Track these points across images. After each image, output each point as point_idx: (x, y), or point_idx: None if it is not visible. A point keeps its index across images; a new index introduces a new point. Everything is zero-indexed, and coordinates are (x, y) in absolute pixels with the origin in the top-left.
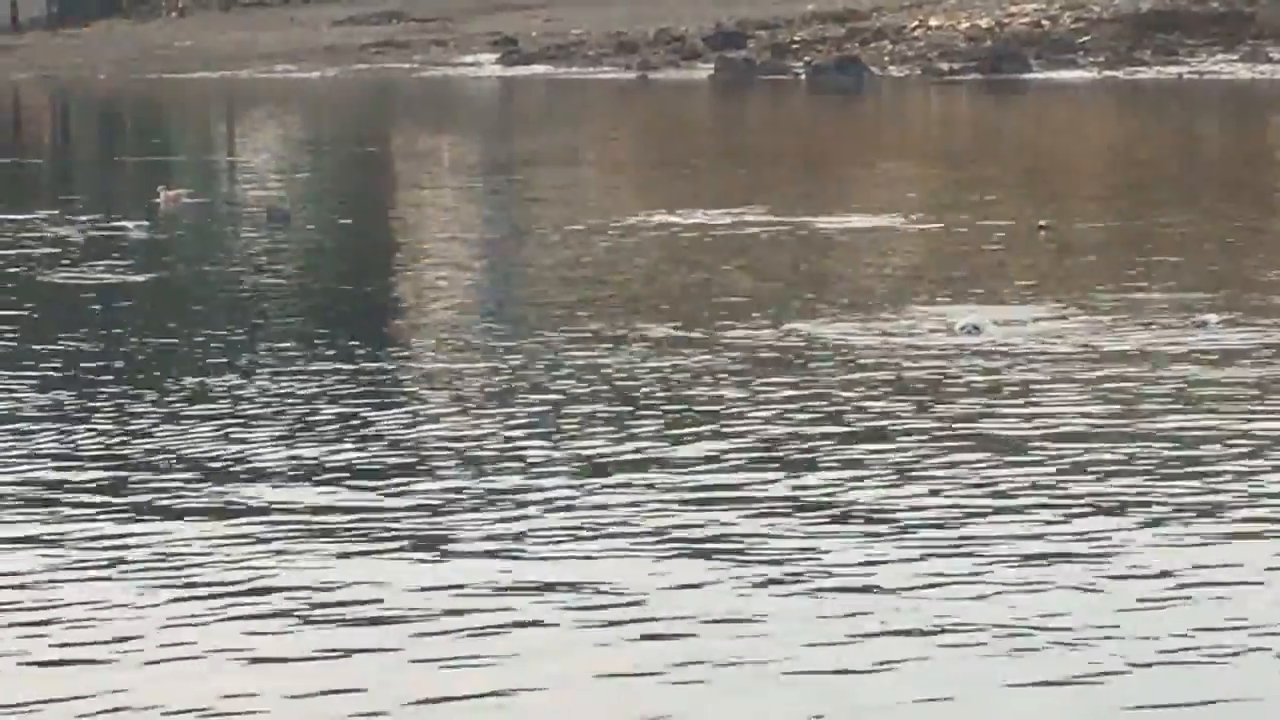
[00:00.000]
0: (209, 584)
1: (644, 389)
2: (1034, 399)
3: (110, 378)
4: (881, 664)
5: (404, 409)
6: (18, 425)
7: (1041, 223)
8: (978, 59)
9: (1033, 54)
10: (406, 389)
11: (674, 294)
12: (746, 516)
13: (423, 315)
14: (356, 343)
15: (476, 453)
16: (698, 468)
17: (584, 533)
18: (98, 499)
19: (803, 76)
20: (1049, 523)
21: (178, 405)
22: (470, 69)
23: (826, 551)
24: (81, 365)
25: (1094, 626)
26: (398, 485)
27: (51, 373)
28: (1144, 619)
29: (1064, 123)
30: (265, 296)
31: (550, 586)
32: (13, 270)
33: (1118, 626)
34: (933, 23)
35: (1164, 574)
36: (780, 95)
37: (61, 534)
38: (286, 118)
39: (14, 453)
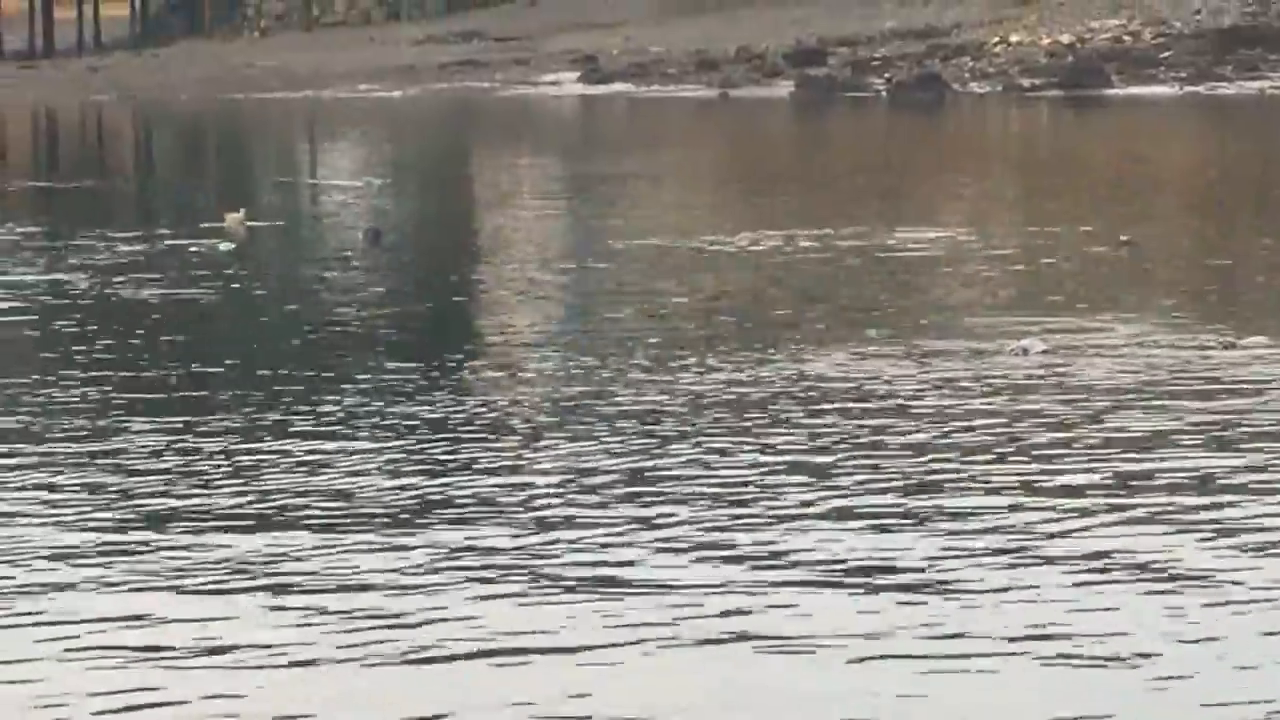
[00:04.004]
0: (301, 590)
1: (713, 409)
2: (1055, 428)
3: (194, 392)
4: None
5: (484, 428)
6: (93, 435)
7: (1124, 238)
8: (1059, 74)
9: (1114, 69)
10: (489, 408)
11: (752, 314)
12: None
13: (505, 333)
14: (440, 360)
15: (559, 469)
16: (770, 484)
17: (676, 548)
18: (182, 513)
19: (883, 93)
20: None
21: (265, 420)
22: (550, 87)
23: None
24: (165, 380)
25: (1183, 648)
26: (482, 505)
27: (127, 386)
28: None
29: (1146, 138)
30: (351, 316)
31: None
32: (95, 288)
33: (1211, 651)
34: (1013, 38)
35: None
36: (861, 112)
37: (132, 544)
38: (368, 137)
39: (88, 464)
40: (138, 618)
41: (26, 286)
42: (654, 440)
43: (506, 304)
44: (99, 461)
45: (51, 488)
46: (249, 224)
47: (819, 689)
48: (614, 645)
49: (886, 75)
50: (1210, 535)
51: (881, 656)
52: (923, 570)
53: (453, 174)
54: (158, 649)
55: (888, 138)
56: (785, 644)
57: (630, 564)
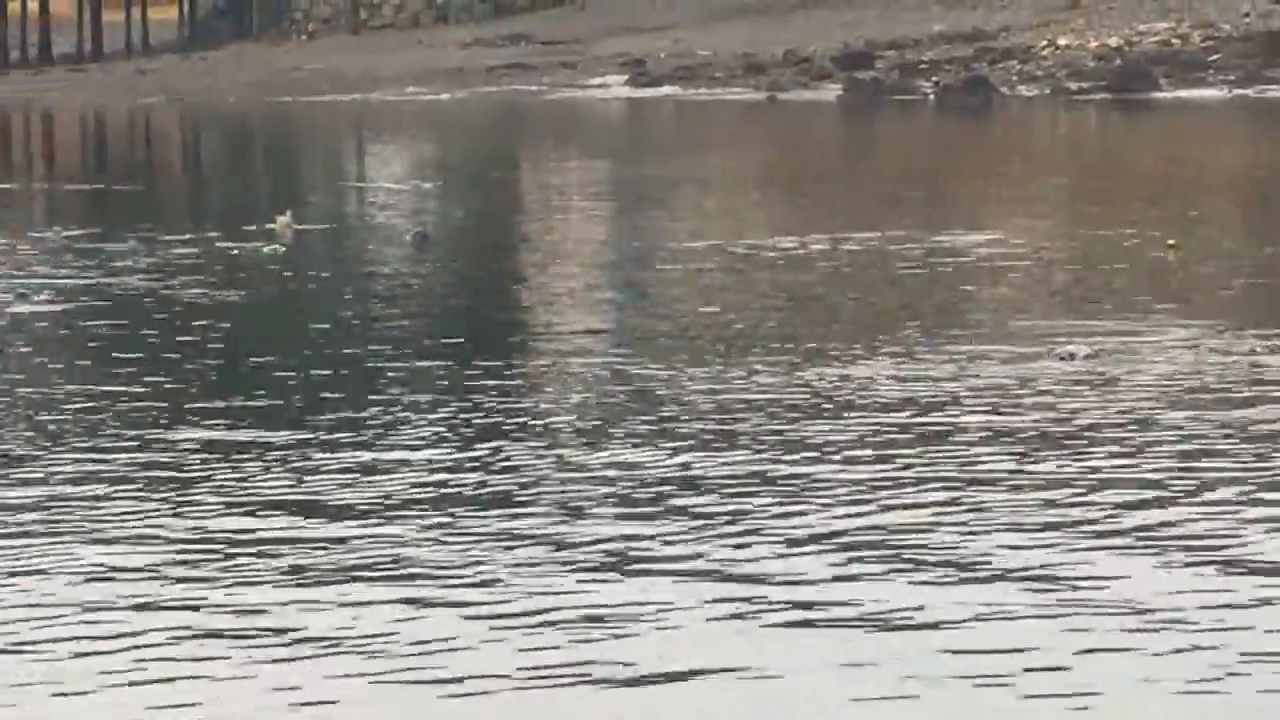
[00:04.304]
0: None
1: (762, 415)
2: (1099, 433)
3: (242, 394)
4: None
5: (533, 434)
6: (142, 436)
7: (1171, 242)
8: (1106, 78)
9: (1162, 73)
10: (536, 414)
11: (797, 317)
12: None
13: (553, 336)
14: (487, 363)
15: (605, 473)
16: (814, 492)
17: (725, 551)
18: (233, 524)
19: (931, 96)
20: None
21: (314, 422)
22: (598, 90)
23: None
24: (213, 382)
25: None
26: (529, 510)
27: (176, 388)
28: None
29: (1194, 141)
30: (401, 319)
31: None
32: (144, 290)
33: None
34: (1061, 42)
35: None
36: (908, 115)
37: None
38: (416, 140)
39: (139, 464)
40: (190, 608)
41: (76, 289)
42: (702, 442)
43: (554, 306)
44: (148, 462)
45: (101, 489)
46: (297, 227)
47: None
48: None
49: (934, 78)
50: (1268, 536)
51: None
52: (969, 567)
53: (500, 177)
54: (225, 657)
55: (935, 141)
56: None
57: (690, 555)
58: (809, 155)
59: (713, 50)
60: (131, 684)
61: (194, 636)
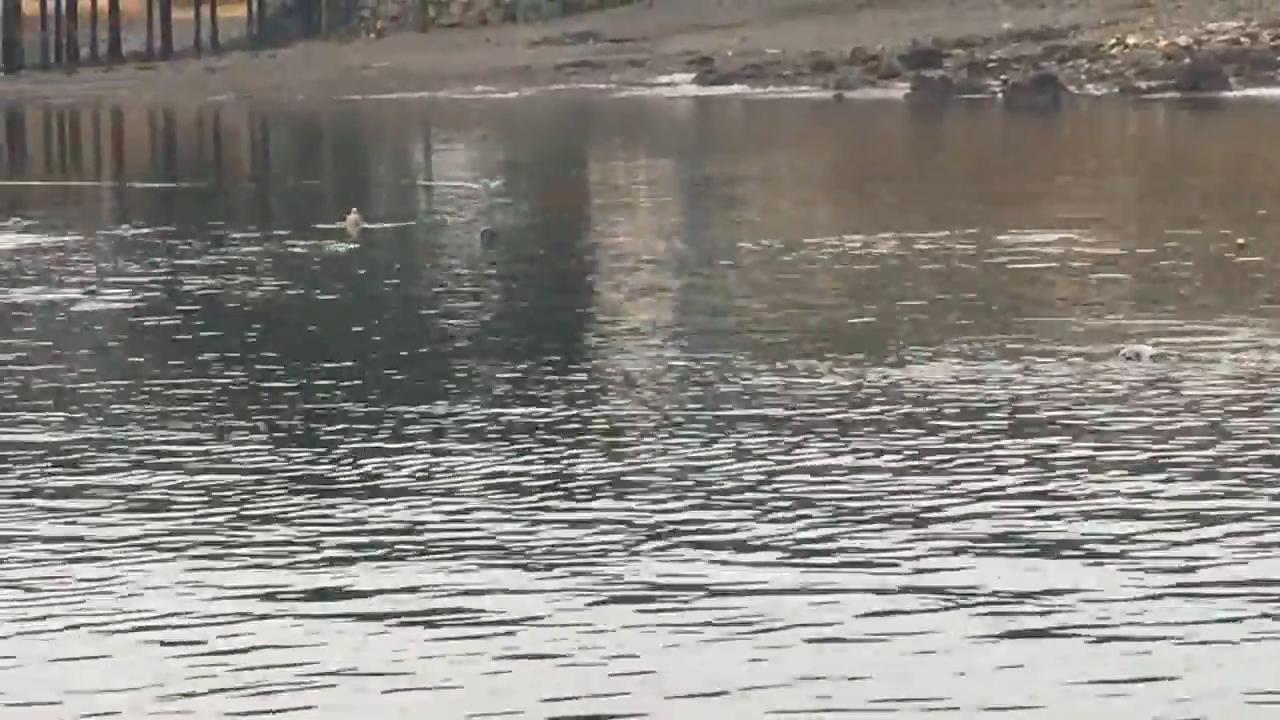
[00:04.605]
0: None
1: (826, 414)
2: (1164, 435)
3: (310, 394)
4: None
5: (601, 431)
6: (211, 435)
7: (1240, 241)
8: (1176, 77)
9: (1231, 71)
10: (604, 411)
11: (864, 317)
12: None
13: (620, 335)
14: (555, 361)
15: (671, 472)
16: (881, 493)
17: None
18: (307, 519)
19: (999, 95)
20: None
21: (383, 421)
22: (666, 89)
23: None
24: (278, 383)
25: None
26: (594, 509)
27: (243, 387)
28: None
29: (1264, 141)
30: (469, 317)
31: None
32: (212, 288)
33: None
34: (1130, 40)
35: None
36: (977, 114)
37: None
38: (484, 137)
39: (209, 464)
40: (258, 601)
41: (145, 286)
42: (766, 441)
43: (622, 304)
44: (218, 461)
45: (166, 486)
46: (365, 225)
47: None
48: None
49: (1002, 77)
50: None
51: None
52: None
53: (568, 175)
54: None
55: (1003, 140)
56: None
57: (764, 566)
58: (876, 154)
59: (781, 48)
60: (250, 685)
61: (281, 619)
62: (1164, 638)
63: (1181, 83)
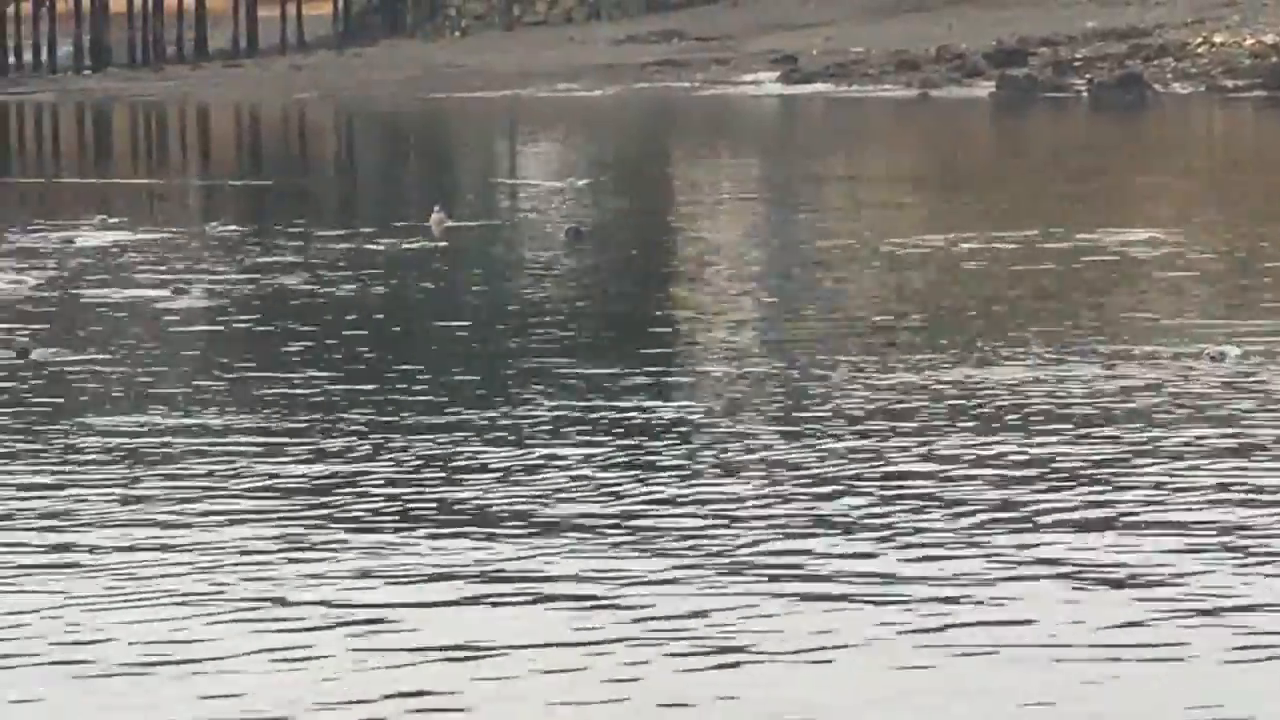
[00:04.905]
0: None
1: (906, 415)
2: (1247, 436)
3: (398, 391)
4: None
5: (686, 431)
6: (298, 431)
7: None
8: (1262, 75)
9: None
10: (689, 411)
11: (948, 316)
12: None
13: (705, 334)
14: (640, 360)
15: (755, 471)
16: (965, 491)
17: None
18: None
19: (1084, 94)
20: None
21: (469, 419)
22: (750, 87)
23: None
24: (362, 380)
25: None
26: (682, 509)
27: (329, 384)
28: None
29: None
30: (555, 315)
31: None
32: (297, 286)
33: None
34: (1216, 39)
35: None
36: (1062, 113)
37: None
38: (569, 136)
39: (296, 460)
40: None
41: (230, 284)
42: (847, 441)
43: (707, 303)
44: (306, 457)
45: (269, 481)
46: (451, 223)
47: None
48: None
49: (1087, 76)
50: None
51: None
52: (1127, 572)
53: (653, 173)
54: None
55: (1088, 139)
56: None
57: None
58: (961, 153)
59: (865, 47)
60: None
61: (370, 617)
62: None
63: (1268, 81)
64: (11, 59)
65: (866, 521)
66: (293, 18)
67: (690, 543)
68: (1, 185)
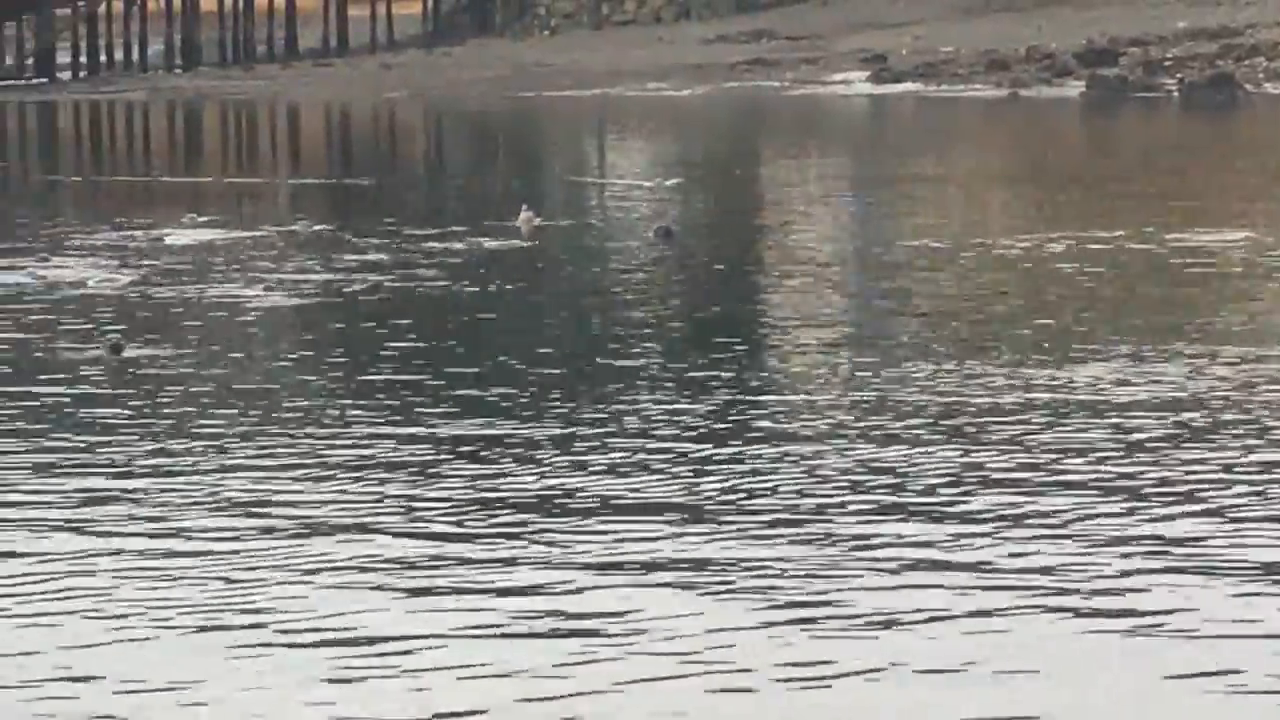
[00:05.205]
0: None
1: (994, 415)
2: None
3: (486, 389)
4: None
5: (775, 433)
6: (384, 430)
7: None
8: None
9: None
10: (778, 412)
11: (1034, 317)
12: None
13: (792, 334)
14: (729, 362)
15: (846, 473)
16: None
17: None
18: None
19: (1175, 94)
20: None
21: (558, 418)
22: (840, 86)
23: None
24: (450, 379)
25: None
26: (771, 510)
27: (418, 382)
28: None
29: None
30: (644, 315)
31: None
32: (386, 284)
33: None
34: None
35: None
36: (1152, 113)
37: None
38: (657, 135)
39: (382, 457)
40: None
41: (319, 282)
42: (935, 442)
43: (796, 303)
44: (394, 455)
45: (350, 479)
46: (539, 222)
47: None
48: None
49: (1178, 76)
50: None
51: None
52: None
53: (742, 172)
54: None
55: (1179, 139)
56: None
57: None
58: (1051, 153)
59: (955, 47)
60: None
61: (462, 629)
62: None
63: None
64: (103, 58)
65: (951, 510)
66: (382, 17)
67: (794, 531)
68: (94, 184)
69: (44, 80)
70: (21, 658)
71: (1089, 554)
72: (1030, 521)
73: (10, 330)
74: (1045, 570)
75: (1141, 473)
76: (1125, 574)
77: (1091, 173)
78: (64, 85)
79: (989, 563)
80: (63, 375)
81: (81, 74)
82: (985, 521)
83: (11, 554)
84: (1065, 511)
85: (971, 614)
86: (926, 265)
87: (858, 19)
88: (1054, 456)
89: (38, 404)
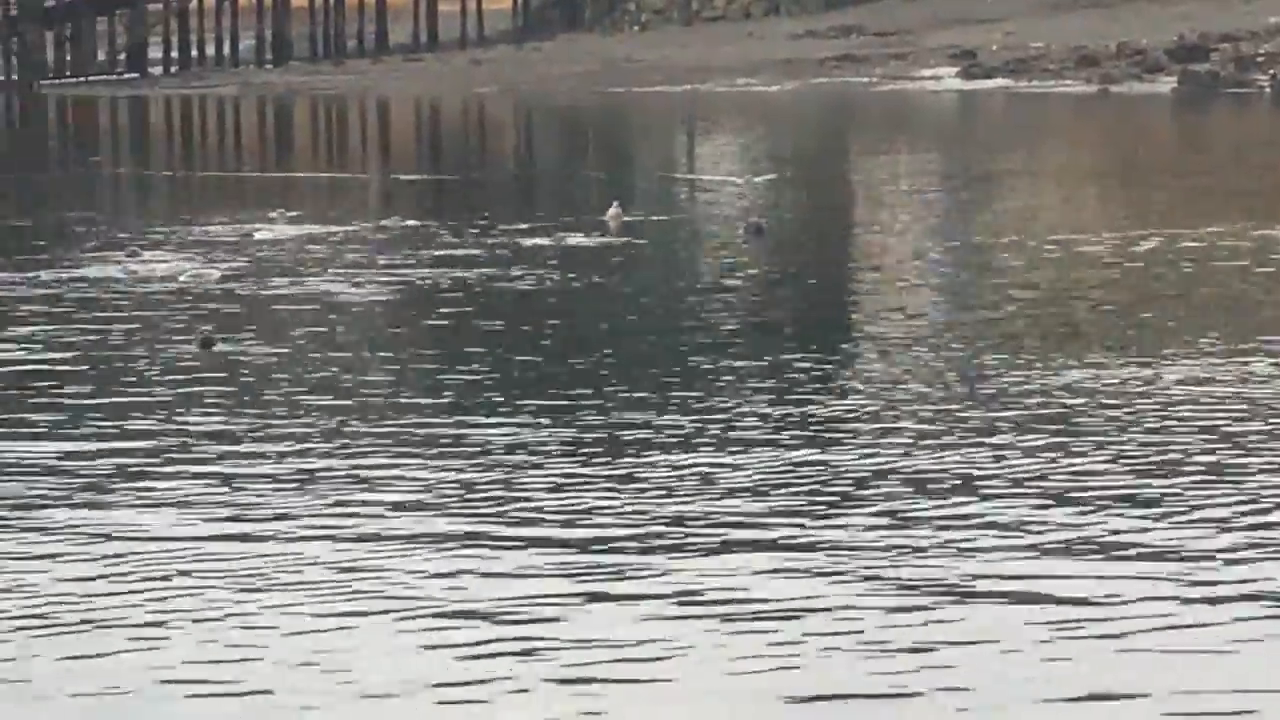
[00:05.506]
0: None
1: (1076, 413)
2: None
3: (577, 387)
4: None
5: (867, 430)
6: (475, 425)
7: None
8: None
9: None
10: (870, 408)
11: (1121, 315)
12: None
13: (883, 330)
14: (820, 358)
15: (935, 470)
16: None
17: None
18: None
19: (1267, 89)
20: None
21: (648, 417)
22: (929, 82)
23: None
24: (536, 377)
25: None
26: (862, 508)
27: (508, 378)
28: None
29: None
30: (735, 312)
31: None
32: (475, 280)
33: None
34: None
35: None
36: (1244, 108)
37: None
38: (747, 131)
39: (475, 453)
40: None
41: (407, 277)
42: (1031, 441)
43: (886, 300)
44: (484, 451)
45: (450, 474)
46: (628, 218)
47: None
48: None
49: (1270, 71)
50: None
51: None
52: None
53: (832, 169)
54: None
55: (1271, 135)
56: None
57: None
58: (1142, 149)
59: (1045, 42)
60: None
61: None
62: None
63: None
64: (194, 53)
65: (1058, 522)
66: (473, 12)
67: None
68: (185, 179)
69: (136, 75)
70: (155, 628)
71: (1203, 534)
72: (1150, 505)
73: (103, 325)
74: (1165, 551)
75: (1238, 466)
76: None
77: (1183, 169)
78: (155, 80)
79: (1090, 539)
80: (155, 370)
81: (173, 69)
82: (1100, 507)
83: (130, 537)
84: (1174, 495)
85: (1107, 595)
86: (1017, 261)
87: (947, 15)
88: (1153, 448)
89: (129, 399)
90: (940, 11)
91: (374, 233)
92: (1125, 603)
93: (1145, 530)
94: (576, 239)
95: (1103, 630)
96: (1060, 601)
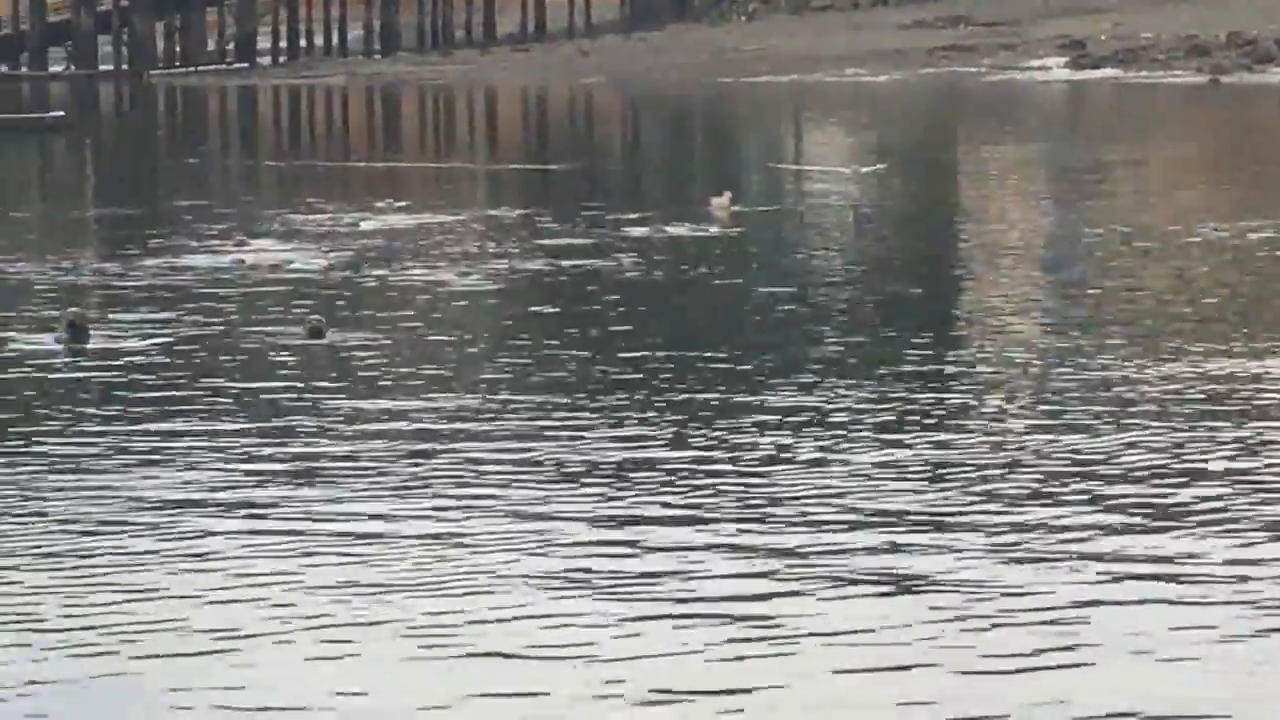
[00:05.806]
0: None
1: (1169, 405)
2: None
3: (683, 375)
4: None
5: (972, 419)
6: (578, 412)
7: None
8: None
9: None
10: (975, 399)
11: (1228, 307)
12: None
13: (988, 318)
14: (926, 349)
15: (1045, 458)
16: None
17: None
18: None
19: None
20: None
21: (760, 404)
22: (1038, 73)
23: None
24: (649, 362)
25: None
26: (969, 499)
27: (612, 365)
28: None
29: None
30: (843, 302)
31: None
32: (581, 268)
33: None
34: None
35: None
36: None
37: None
38: (855, 121)
39: (574, 441)
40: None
41: (514, 266)
42: (1113, 429)
43: (992, 290)
44: (584, 438)
45: (535, 464)
46: (736, 208)
47: None
48: None
49: None
50: None
51: None
52: None
53: (940, 159)
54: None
55: None
56: None
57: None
58: (1252, 140)
59: (1154, 32)
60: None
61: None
62: None
63: None
64: (303, 43)
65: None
66: (580, 2)
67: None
68: (293, 168)
69: (244, 65)
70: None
71: None
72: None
73: (213, 313)
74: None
75: None
76: None
77: None
78: (264, 70)
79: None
80: (265, 359)
81: (281, 59)
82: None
83: (239, 531)
84: None
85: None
86: (1125, 252)
87: (1055, 5)
88: (1256, 442)
89: (241, 387)
90: (1048, 2)
91: (482, 222)
92: None
93: None
94: (684, 228)
95: None
96: None
